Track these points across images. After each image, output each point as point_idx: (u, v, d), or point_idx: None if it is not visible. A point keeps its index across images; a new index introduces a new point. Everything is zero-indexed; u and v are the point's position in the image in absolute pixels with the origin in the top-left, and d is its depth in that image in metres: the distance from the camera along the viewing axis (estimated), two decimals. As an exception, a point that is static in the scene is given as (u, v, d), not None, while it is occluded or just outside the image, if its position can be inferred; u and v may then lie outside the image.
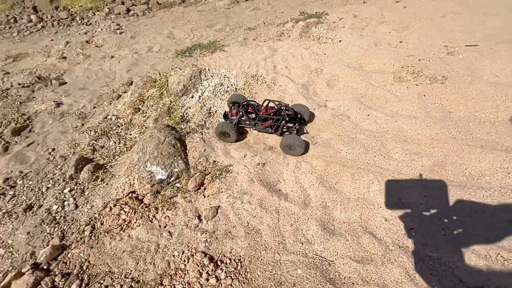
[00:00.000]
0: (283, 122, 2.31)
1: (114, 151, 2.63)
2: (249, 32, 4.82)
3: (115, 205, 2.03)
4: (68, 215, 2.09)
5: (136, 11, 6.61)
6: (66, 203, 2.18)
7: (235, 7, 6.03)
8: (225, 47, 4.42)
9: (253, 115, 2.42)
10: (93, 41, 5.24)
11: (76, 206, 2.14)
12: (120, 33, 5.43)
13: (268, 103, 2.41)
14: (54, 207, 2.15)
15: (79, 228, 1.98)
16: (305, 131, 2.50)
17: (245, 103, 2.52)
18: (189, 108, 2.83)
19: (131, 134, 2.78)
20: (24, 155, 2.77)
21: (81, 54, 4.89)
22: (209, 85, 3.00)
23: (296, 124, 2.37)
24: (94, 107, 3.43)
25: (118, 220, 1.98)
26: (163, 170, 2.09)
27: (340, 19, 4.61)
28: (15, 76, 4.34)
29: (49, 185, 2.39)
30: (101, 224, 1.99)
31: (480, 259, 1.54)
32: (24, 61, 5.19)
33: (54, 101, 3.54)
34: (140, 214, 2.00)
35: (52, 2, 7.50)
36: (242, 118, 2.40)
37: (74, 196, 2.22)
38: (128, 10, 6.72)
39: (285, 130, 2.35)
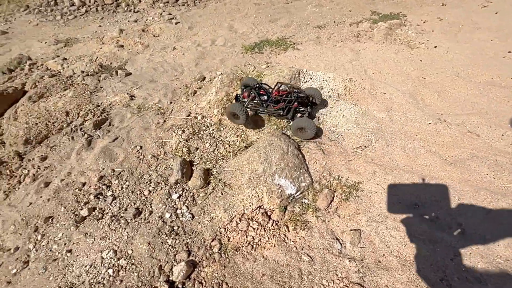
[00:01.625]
0: (295, 104, 2.32)
1: (213, 155, 2.49)
2: (320, 30, 4.64)
3: (240, 220, 1.89)
4: (185, 226, 1.96)
5: (186, 0, 6.50)
6: (179, 211, 2.05)
7: (295, 2, 5.85)
8: (298, 45, 4.26)
9: (265, 97, 2.42)
10: (149, 30, 5.15)
11: (192, 216, 2.01)
12: (176, 23, 5.32)
13: (280, 86, 2.41)
14: (167, 215, 2.03)
15: (204, 242, 1.85)
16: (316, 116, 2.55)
17: (257, 85, 2.51)
18: (290, 112, 2.67)
19: (226, 137, 2.64)
20: (112, 151, 2.67)
21: (139, 43, 4.80)
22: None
23: (308, 108, 2.38)
24: (171, 103, 3.32)
25: (246, 237, 1.84)
26: (292, 184, 1.94)
27: (424, 22, 4.38)
28: (76, 63, 4.28)
29: (150, 188, 2.28)
30: (228, 240, 1.85)
31: None
32: (76, 46, 5.15)
33: (127, 93, 3.44)
34: (271, 232, 1.85)
35: (94, -14, 7.46)
36: (254, 100, 2.40)
37: (186, 205, 2.09)
38: (176, -1, 6.62)
39: (298, 112, 2.37)
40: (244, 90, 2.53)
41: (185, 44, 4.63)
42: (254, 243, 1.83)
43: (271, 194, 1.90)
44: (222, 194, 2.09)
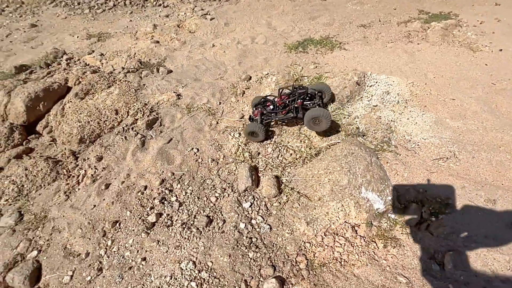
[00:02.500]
0: (299, 101, 2.37)
1: (279, 161, 2.41)
2: (365, 29, 4.49)
3: (325, 234, 1.81)
4: (264, 238, 1.89)
5: (217, -4, 6.43)
6: (254, 222, 1.98)
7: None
8: (345, 45, 4.13)
9: (271, 107, 2.52)
10: (184, 25, 5.10)
11: (270, 228, 1.93)
12: (211, 19, 5.26)
13: (282, 90, 2.50)
14: (241, 225, 1.96)
15: (288, 257, 1.77)
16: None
17: (262, 100, 2.66)
18: (357, 118, 2.57)
19: (288, 142, 2.56)
20: (168, 153, 2.62)
21: (176, 39, 4.76)
22: (375, 92, 2.72)
23: (316, 100, 2.42)
24: (220, 103, 3.25)
25: (333, 252, 1.76)
26: (379, 198, 1.84)
27: (480, 23, 4.19)
28: (114, 58, 4.26)
29: (216, 195, 2.21)
30: (314, 255, 1.77)
31: None
32: (110, 41, 5.15)
33: (173, 92, 3.39)
34: (359, 248, 1.76)
35: (121, -21, 7.46)
36: (264, 113, 2.53)
37: (261, 215, 2.02)
38: (206, -6, 6.55)
39: (306, 108, 2.42)
40: (255, 109, 2.65)
41: (224, 41, 4.56)
42: (342, 259, 1.74)
43: (359, 208, 1.81)
44: (299, 205, 2.00)
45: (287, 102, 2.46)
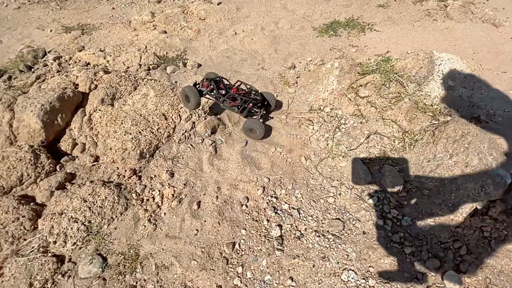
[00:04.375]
0: (250, 104, 2.57)
1: (379, 149, 2.37)
2: (385, 10, 4.64)
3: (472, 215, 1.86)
4: (410, 230, 1.86)
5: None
6: (389, 216, 1.93)
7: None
8: (374, 26, 4.21)
9: (223, 92, 2.61)
10: (191, 12, 4.62)
11: (412, 220, 1.90)
12: (218, 4, 4.86)
13: (240, 84, 2.64)
14: (380, 222, 1.89)
15: (442, 245, 1.77)
16: (270, 116, 2.86)
17: (217, 78, 2.71)
18: (435, 98, 2.65)
19: (376, 129, 2.53)
20: (252, 157, 2.40)
21: (187, 28, 4.30)
22: (444, 71, 2.83)
23: (263, 110, 2.66)
24: (277, 95, 3.06)
25: (483, 233, 1.82)
26: (507, 173, 1.94)
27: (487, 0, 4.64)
28: (122, 54, 3.68)
29: (331, 194, 2.10)
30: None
31: None
32: (99, 34, 4.45)
33: (220, 88, 3.08)
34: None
35: (80, -42, 6.47)
36: (212, 92, 2.59)
37: (393, 207, 1.98)
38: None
39: (251, 112, 2.64)
40: (205, 81, 2.66)
41: (246, 27, 4.28)
42: (488, 237, 1.81)
43: (496, 186, 1.89)
44: (429, 191, 2.01)
45: (238, 98, 2.57)
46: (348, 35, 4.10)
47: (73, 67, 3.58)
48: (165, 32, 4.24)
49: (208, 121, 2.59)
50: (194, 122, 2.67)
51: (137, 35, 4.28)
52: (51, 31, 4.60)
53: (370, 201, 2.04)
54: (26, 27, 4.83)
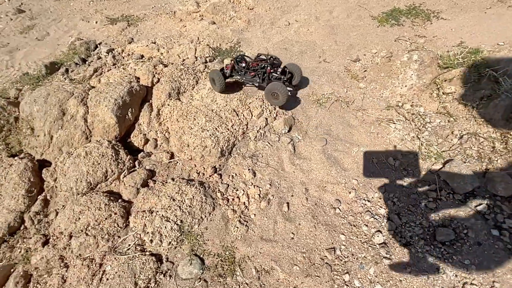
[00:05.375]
0: (268, 68, 2.56)
1: (476, 151, 2.22)
2: (449, -5, 4.33)
3: None
4: (531, 243, 1.73)
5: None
6: (504, 225, 1.80)
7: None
8: (440, 13, 3.95)
9: (243, 65, 2.69)
10: (238, 1, 4.51)
11: (531, 231, 1.77)
12: (264, -8, 4.72)
13: (260, 55, 2.73)
14: (495, 232, 1.77)
15: None
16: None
17: (239, 56, 2.79)
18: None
19: (469, 129, 2.37)
20: (336, 157, 2.31)
21: (236, 18, 4.21)
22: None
23: (283, 77, 2.61)
24: (347, 90, 2.94)
25: None
26: None
27: None
28: (175, 46, 3.65)
29: (430, 199, 1.99)
30: None
31: None
32: (145, 25, 4.45)
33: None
34: None
35: None
36: (235, 68, 2.69)
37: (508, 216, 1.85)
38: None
39: (271, 79, 2.61)
40: (231, 62, 2.78)
41: (299, 17, 4.14)
42: None
43: None
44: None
45: (257, 67, 2.62)
46: (412, 24, 3.87)
47: (128, 60, 3.60)
48: (214, 23, 4.17)
49: (287, 118, 2.52)
50: (266, 119, 2.60)
51: (185, 26, 4.24)
52: (96, 22, 4.64)
53: (479, 208, 1.91)
54: (71, 18, 4.90)
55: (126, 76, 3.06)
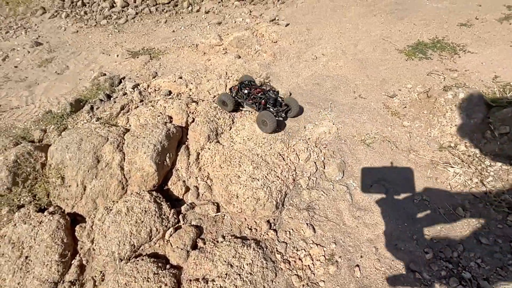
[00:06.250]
0: (263, 101, 2.83)
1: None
2: (468, 29, 4.44)
3: None
4: None
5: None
6: None
7: (403, -4, 5.61)
8: (466, 47, 3.99)
9: (246, 91, 2.97)
10: (261, 35, 4.55)
11: None
12: (286, 25, 4.79)
13: (262, 85, 3.11)
14: None
15: None
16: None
17: (246, 81, 3.10)
18: None
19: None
20: (401, 208, 2.12)
21: (262, 52, 4.20)
22: None
23: (278, 108, 2.85)
24: (391, 129, 2.82)
25: None
26: None
27: None
28: (205, 81, 3.57)
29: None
30: None
31: None
32: (167, 58, 4.43)
33: (331, 122, 2.87)
34: None
35: (132, -19, 6.67)
36: (239, 92, 3.02)
37: None
38: (251, -4, 6.05)
39: (267, 108, 2.88)
40: (238, 85, 3.10)
41: (325, 51, 4.15)
42: None
43: None
44: None
45: (257, 95, 2.90)
46: (440, 58, 3.88)
47: (155, 96, 3.49)
48: (239, 56, 4.15)
49: (340, 163, 2.37)
50: (315, 163, 2.45)
51: (209, 60, 4.21)
52: (117, 56, 4.61)
53: None
54: (90, 51, 4.88)
55: (158, 116, 2.92)
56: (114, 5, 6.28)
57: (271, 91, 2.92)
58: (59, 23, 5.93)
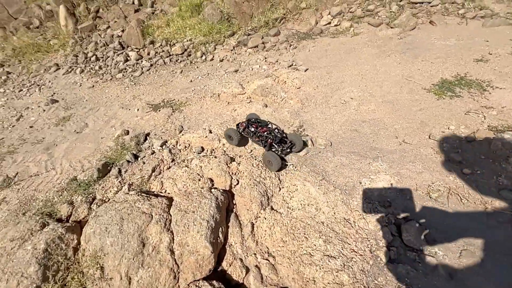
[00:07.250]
0: (269, 140, 3.02)
1: None
2: (485, 64, 4.52)
3: None
4: None
5: (275, 44, 6.18)
6: None
7: (408, 37, 5.86)
8: (492, 83, 4.01)
9: (252, 129, 3.17)
10: (283, 81, 4.56)
11: None
12: (305, 70, 4.85)
13: (269, 124, 3.24)
14: None
15: None
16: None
17: (254, 120, 3.34)
18: None
19: None
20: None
21: (288, 99, 4.15)
22: None
23: (283, 146, 3.04)
24: (453, 179, 2.62)
25: None
26: None
27: None
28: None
29: None
30: None
31: None
32: (190, 110, 4.35)
33: (385, 173, 2.67)
34: None
35: (144, 36, 6.95)
36: (245, 129, 3.21)
37: None
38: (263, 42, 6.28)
39: (272, 147, 3.05)
40: (246, 121, 3.31)
41: (352, 94, 4.12)
42: None
43: None
44: None
45: (263, 134, 3.08)
46: (470, 95, 3.87)
47: (188, 155, 3.29)
48: (266, 105, 4.09)
49: (420, 228, 2.10)
50: (386, 226, 2.18)
51: (235, 110, 4.12)
52: (138, 110, 4.52)
53: None
54: (109, 106, 4.79)
55: (198, 180, 2.68)
56: (128, 58, 6.42)
57: (276, 130, 3.14)
58: (74, 78, 5.96)
